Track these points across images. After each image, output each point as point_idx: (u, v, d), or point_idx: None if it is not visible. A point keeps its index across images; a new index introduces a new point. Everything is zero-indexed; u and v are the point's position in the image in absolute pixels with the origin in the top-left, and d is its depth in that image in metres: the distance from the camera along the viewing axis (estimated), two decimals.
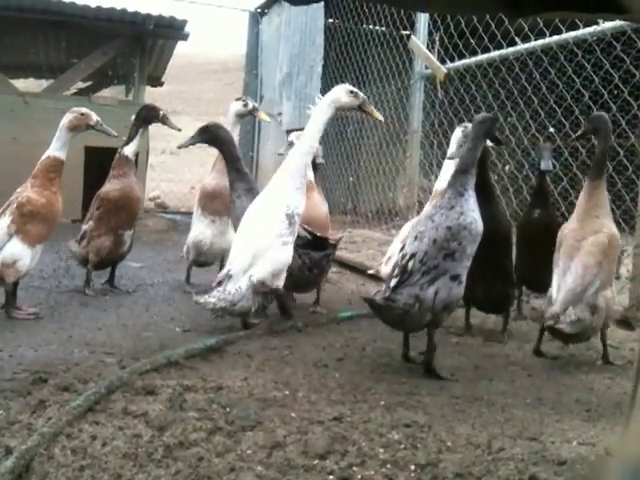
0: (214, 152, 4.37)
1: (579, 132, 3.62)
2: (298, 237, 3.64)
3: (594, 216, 3.32)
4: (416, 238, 2.97)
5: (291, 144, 4.60)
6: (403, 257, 2.94)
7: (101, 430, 2.06)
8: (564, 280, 3.17)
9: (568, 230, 3.33)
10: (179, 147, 4.12)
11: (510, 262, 3.73)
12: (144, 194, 4.59)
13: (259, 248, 3.41)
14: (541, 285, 4.01)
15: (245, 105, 4.80)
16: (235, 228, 3.87)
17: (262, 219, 3.50)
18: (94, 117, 3.91)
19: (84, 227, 4.43)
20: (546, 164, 4.07)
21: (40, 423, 2.09)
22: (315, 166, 4.86)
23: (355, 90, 3.63)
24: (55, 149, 3.77)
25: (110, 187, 4.37)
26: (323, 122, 3.59)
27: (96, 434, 2.02)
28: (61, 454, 1.89)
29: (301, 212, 3.55)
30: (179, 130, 4.72)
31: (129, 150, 4.39)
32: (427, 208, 4.46)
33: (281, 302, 3.71)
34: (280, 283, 3.47)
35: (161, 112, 4.50)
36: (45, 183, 3.69)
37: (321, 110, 3.60)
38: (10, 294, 3.58)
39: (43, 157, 3.77)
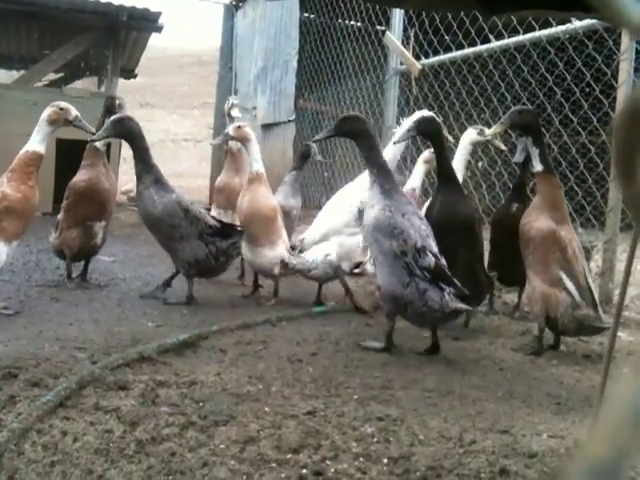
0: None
1: (500, 127, 3.54)
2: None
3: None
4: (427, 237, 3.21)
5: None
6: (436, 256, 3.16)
7: (72, 425, 2.04)
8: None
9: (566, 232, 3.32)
10: (90, 141, 4.19)
11: (473, 253, 3.61)
12: (116, 186, 4.49)
13: (328, 231, 4.08)
14: (514, 280, 4.06)
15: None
16: (142, 218, 4.15)
17: (338, 208, 4.17)
18: (73, 112, 3.85)
19: (58, 218, 4.43)
20: (518, 157, 4.13)
21: (10, 419, 2.05)
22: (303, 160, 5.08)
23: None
24: (34, 143, 3.71)
25: (78, 178, 4.35)
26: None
27: (67, 430, 2.00)
28: (31, 450, 1.87)
29: None
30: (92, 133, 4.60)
31: (99, 141, 4.33)
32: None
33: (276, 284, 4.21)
34: (345, 265, 4.07)
35: (117, 101, 4.49)
36: (22, 177, 3.62)
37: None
38: None
39: (22, 151, 3.69)
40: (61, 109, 3.80)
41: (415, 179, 4.79)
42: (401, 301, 3.14)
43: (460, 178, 4.53)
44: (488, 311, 4.19)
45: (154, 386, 2.42)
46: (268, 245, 4.11)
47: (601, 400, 2.02)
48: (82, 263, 4.48)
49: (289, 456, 1.93)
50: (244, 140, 4.24)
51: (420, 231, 3.20)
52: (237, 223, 4.30)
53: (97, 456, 1.86)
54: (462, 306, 3.09)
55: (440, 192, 3.65)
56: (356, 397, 2.46)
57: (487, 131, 4.01)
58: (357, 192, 4.04)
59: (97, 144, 4.33)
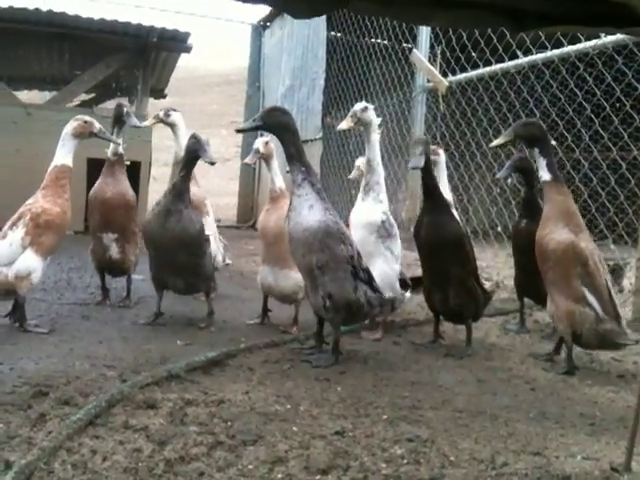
0: (216, 165, 4.30)
1: (505, 139, 3.49)
2: None
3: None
4: None
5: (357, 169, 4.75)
6: None
7: (101, 444, 2.05)
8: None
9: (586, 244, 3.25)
10: (237, 131, 3.87)
11: (465, 270, 3.57)
12: (127, 197, 4.39)
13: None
14: (539, 296, 3.99)
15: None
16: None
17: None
18: (97, 125, 3.91)
19: None
20: (501, 173, 4.10)
21: (40, 437, 2.07)
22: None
23: None
24: (61, 157, 3.76)
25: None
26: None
27: (96, 448, 2.01)
28: (61, 468, 1.88)
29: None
30: (140, 126, 4.73)
31: (109, 151, 4.37)
32: None
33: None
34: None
35: (125, 109, 4.48)
36: (58, 191, 3.68)
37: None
38: (22, 307, 3.54)
39: (51, 167, 3.75)
40: (85, 122, 3.86)
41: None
42: (353, 306, 3.18)
43: (449, 196, 4.58)
44: (519, 329, 4.14)
45: (182, 405, 2.42)
46: (295, 267, 3.81)
47: (637, 421, 1.97)
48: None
49: (318, 477, 1.91)
50: (269, 157, 4.11)
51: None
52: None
53: (126, 475, 1.86)
54: (392, 294, 3.46)
55: (426, 211, 3.65)
56: (385, 417, 2.44)
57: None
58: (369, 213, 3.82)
59: (108, 154, 4.37)
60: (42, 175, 3.79)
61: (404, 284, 3.95)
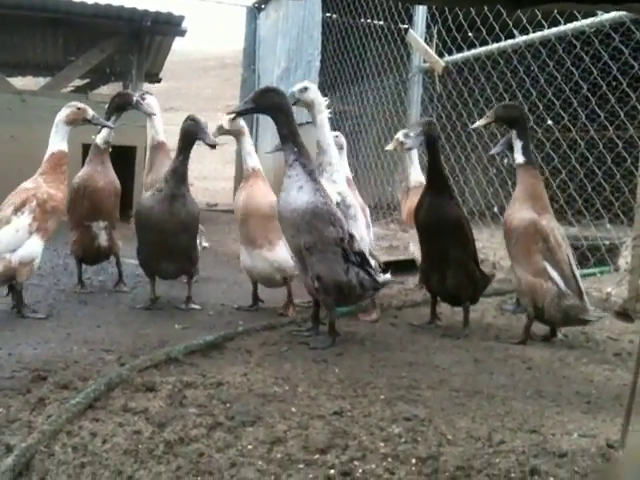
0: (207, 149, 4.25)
1: (485, 120, 3.62)
2: None
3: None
4: None
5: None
6: None
7: (101, 427, 2.06)
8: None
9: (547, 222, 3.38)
10: (229, 113, 3.68)
11: (464, 253, 3.59)
12: (115, 185, 4.36)
13: None
14: None
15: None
16: None
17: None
18: (90, 111, 3.91)
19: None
20: (495, 149, 4.24)
21: (40, 421, 2.08)
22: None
23: None
24: (57, 143, 3.78)
25: (76, 176, 4.31)
26: None
27: (96, 431, 2.02)
28: (61, 451, 1.89)
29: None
30: (154, 115, 4.69)
31: (99, 138, 4.30)
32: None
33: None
34: None
35: (134, 98, 4.43)
36: (59, 177, 3.71)
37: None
38: (20, 293, 3.55)
39: (48, 153, 3.76)
40: (78, 109, 3.86)
41: (346, 167, 4.66)
42: (344, 288, 3.17)
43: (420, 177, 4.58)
44: (516, 309, 4.15)
45: (181, 387, 2.43)
46: (267, 246, 3.84)
47: (632, 398, 1.98)
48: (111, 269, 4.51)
49: (317, 457, 1.92)
50: (238, 134, 4.03)
51: (343, 216, 3.28)
52: None
53: (126, 457, 1.87)
54: (388, 277, 3.35)
55: (428, 194, 3.65)
56: (383, 397, 2.45)
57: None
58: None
59: (98, 142, 4.31)
60: (37, 162, 3.78)
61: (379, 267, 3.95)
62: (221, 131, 4.03)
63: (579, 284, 3.33)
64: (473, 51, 5.93)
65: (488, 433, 2.12)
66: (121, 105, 4.38)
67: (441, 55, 6.17)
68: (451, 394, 2.54)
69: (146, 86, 10.72)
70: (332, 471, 1.84)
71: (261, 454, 1.93)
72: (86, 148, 8.17)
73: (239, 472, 1.81)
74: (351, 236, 3.23)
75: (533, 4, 1.97)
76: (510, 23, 5.36)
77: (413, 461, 1.91)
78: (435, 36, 6.54)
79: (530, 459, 1.94)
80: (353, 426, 2.15)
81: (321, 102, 3.77)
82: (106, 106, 4.50)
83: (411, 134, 3.83)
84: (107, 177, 4.32)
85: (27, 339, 3.07)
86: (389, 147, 4.87)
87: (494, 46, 5.65)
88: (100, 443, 1.95)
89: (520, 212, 3.39)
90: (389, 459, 1.92)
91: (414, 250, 4.69)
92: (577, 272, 3.37)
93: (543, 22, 5.05)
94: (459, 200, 3.81)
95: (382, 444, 2.02)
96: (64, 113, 3.82)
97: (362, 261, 3.27)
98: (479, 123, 3.69)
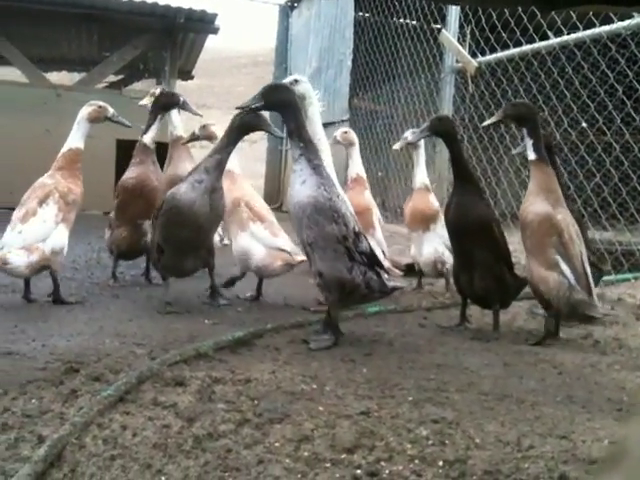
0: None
1: (495, 119, 3.62)
2: None
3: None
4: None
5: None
6: None
7: (131, 420, 2.09)
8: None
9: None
10: (238, 108, 3.58)
11: (492, 255, 3.54)
12: (164, 184, 4.47)
13: None
14: None
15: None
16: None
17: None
18: (110, 109, 4.05)
19: (110, 216, 4.54)
20: (517, 150, 4.21)
21: (72, 412, 2.12)
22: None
23: None
24: (76, 140, 3.91)
25: (126, 175, 4.40)
26: None
27: (126, 424, 2.05)
28: (92, 443, 1.92)
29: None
30: (201, 116, 4.74)
31: (147, 138, 4.38)
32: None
33: None
34: None
35: (181, 98, 4.48)
36: (75, 174, 3.84)
37: None
38: (57, 280, 3.70)
39: (65, 149, 3.89)
40: (100, 107, 3.99)
41: (356, 164, 4.66)
42: (347, 286, 3.11)
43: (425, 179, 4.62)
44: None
45: (210, 383, 2.45)
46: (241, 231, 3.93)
47: None
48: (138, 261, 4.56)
49: (343, 456, 1.92)
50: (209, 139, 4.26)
51: (352, 214, 3.23)
52: None
53: (155, 451, 1.89)
54: (398, 284, 3.31)
55: (456, 193, 3.61)
56: (410, 399, 2.44)
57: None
58: None
59: (146, 142, 4.38)
60: None
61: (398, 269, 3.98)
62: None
63: (589, 281, 3.34)
64: (506, 52, 5.88)
65: (517, 438, 2.10)
66: (167, 104, 4.45)
67: (474, 55, 6.13)
68: (480, 397, 2.52)
69: (179, 84, 10.81)
70: (359, 471, 1.84)
71: (288, 452, 1.93)
72: (120, 144, 8.34)
73: (266, 469, 1.82)
74: (357, 235, 3.14)
75: (567, 5, 1.95)
76: (544, 24, 5.30)
77: (440, 464, 1.90)
78: (468, 36, 6.49)
79: (559, 465, 1.91)
80: (380, 427, 2.15)
81: (312, 95, 3.74)
82: (149, 105, 4.60)
83: (419, 128, 3.82)
84: (159, 176, 4.46)
85: (60, 331, 3.12)
86: (396, 146, 4.85)
87: (528, 47, 5.60)
88: (130, 436, 1.97)
89: (534, 206, 3.40)
90: (416, 461, 1.91)
91: (414, 254, 4.70)
92: (588, 269, 3.38)
93: (578, 24, 4.99)
94: (489, 200, 3.78)
95: (409, 446, 2.01)
96: (86, 111, 3.96)
97: (370, 261, 3.18)
98: (489, 121, 3.70)
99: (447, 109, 6.59)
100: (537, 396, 2.58)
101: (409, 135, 4.54)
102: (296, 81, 3.76)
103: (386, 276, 3.25)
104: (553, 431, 2.19)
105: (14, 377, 2.42)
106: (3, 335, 2.99)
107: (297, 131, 3.19)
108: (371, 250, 3.22)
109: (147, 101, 4.95)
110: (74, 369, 2.52)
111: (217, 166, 3.63)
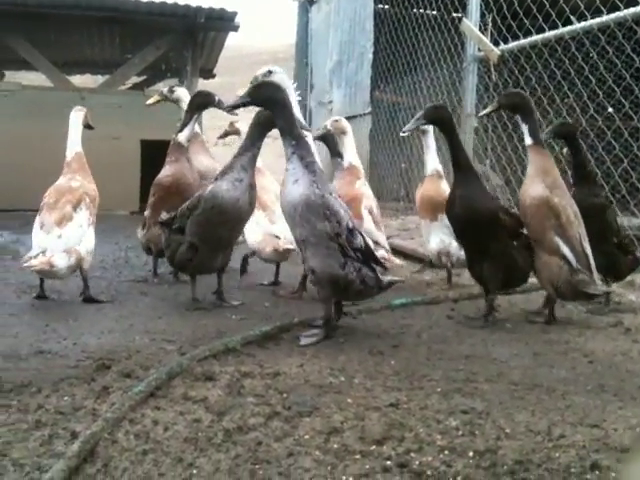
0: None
1: (490, 109, 3.76)
2: None
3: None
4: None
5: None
6: None
7: (162, 415, 2.11)
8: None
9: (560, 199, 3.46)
10: (221, 107, 3.83)
11: (495, 244, 3.47)
12: (198, 182, 4.52)
13: None
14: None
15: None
16: None
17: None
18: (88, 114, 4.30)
19: (145, 215, 4.59)
20: (406, 126, 4.05)
21: (104, 408, 2.15)
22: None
23: None
24: (78, 144, 4.13)
25: (163, 173, 4.45)
26: None
27: (158, 419, 2.08)
28: (124, 438, 1.95)
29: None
30: (236, 114, 4.74)
31: (182, 136, 4.42)
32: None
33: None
34: None
35: (216, 97, 4.50)
36: (88, 174, 4.08)
37: None
38: (87, 279, 3.83)
39: (73, 154, 4.08)
40: (85, 111, 4.24)
41: (349, 154, 4.58)
42: (340, 282, 3.08)
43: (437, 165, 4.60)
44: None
45: (239, 377, 2.47)
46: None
47: None
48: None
49: (373, 447, 1.93)
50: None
51: (347, 210, 3.19)
52: None
53: (187, 445, 1.92)
54: (395, 279, 3.29)
55: (458, 186, 3.54)
56: (439, 390, 2.44)
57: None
58: None
59: (181, 140, 4.42)
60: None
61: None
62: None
63: (589, 260, 3.42)
64: (529, 39, 5.80)
65: (548, 427, 2.09)
66: (202, 104, 4.46)
67: (496, 43, 6.06)
68: (509, 387, 2.51)
69: (201, 82, 10.86)
70: (388, 462, 1.84)
71: (318, 444, 1.94)
72: (144, 144, 8.40)
73: (296, 461, 1.83)
74: (350, 231, 3.11)
75: None
76: (567, 9, 5.23)
77: (470, 454, 1.90)
78: (490, 24, 6.42)
79: (591, 454, 1.90)
80: (409, 418, 2.15)
81: (288, 86, 3.70)
82: (184, 105, 4.64)
83: (414, 117, 3.78)
84: (194, 174, 4.51)
85: (91, 329, 3.17)
86: (404, 133, 4.80)
87: (551, 33, 5.51)
88: (161, 431, 2.00)
89: (532, 189, 3.47)
90: (446, 452, 1.91)
91: (423, 242, 4.69)
92: (588, 248, 3.44)
93: (602, 7, 4.90)
94: (490, 193, 3.72)
95: (439, 437, 2.01)
96: (81, 115, 4.18)
97: (365, 257, 3.15)
98: (485, 112, 3.90)
99: (470, 98, 6.53)
100: (568, 385, 2.56)
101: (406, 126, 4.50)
102: (270, 72, 3.77)
103: (380, 270, 3.20)
104: (584, 420, 2.17)
105: (47, 375, 2.47)
106: (35, 335, 3.04)
107: (288, 128, 3.18)
108: (366, 246, 3.18)
109: (153, 100, 4.97)
110: (105, 366, 2.56)
111: (252, 162, 3.67)
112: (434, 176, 4.55)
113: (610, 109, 5.46)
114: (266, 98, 3.23)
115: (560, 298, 3.57)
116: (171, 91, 4.83)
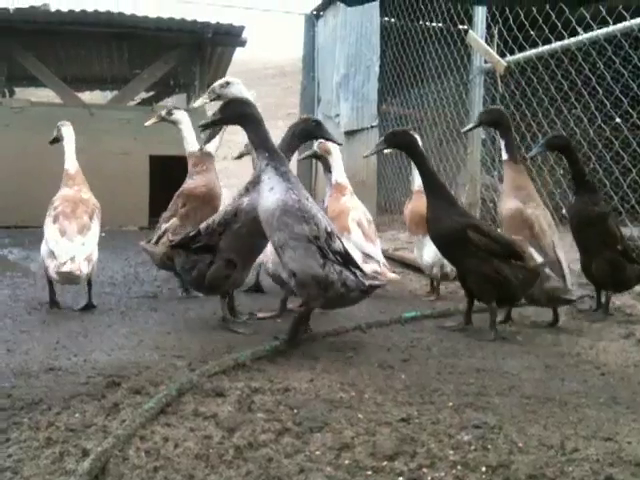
0: None
1: (472, 125, 4.09)
2: None
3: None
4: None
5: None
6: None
7: (173, 432, 2.11)
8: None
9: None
10: (199, 126, 3.50)
11: (469, 260, 3.45)
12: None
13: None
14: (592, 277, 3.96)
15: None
16: None
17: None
18: None
19: (164, 226, 4.45)
20: (532, 152, 4.25)
21: (114, 425, 2.15)
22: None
23: None
24: (75, 159, 4.31)
25: (194, 183, 4.44)
26: None
27: (168, 436, 2.07)
28: (135, 455, 1.94)
29: None
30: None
31: (211, 147, 4.48)
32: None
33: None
34: None
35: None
36: (88, 187, 4.21)
37: None
38: (91, 286, 4.01)
39: (74, 169, 4.26)
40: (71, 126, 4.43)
41: (337, 172, 4.65)
42: (322, 282, 3.06)
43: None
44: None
45: (249, 392, 2.46)
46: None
47: None
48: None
49: (384, 463, 1.92)
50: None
51: (324, 215, 3.21)
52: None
53: (197, 461, 1.91)
54: (377, 282, 3.35)
55: (428, 208, 3.59)
56: (451, 404, 2.42)
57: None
58: None
59: (210, 150, 4.46)
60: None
61: None
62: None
63: (562, 266, 3.58)
64: (535, 50, 5.80)
65: (561, 441, 2.07)
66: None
67: (502, 55, 6.07)
68: (521, 401, 2.49)
69: None
70: (400, 478, 1.84)
71: (329, 460, 1.93)
72: (152, 159, 8.44)
73: (307, 478, 1.83)
74: (329, 235, 3.11)
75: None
76: (573, 20, 5.23)
77: (483, 469, 1.89)
78: (496, 36, 6.43)
79: (605, 468, 1.88)
80: (421, 433, 2.14)
81: (247, 96, 3.70)
82: (184, 126, 4.68)
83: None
84: (220, 184, 4.56)
85: (101, 345, 3.17)
86: (366, 156, 4.85)
87: (557, 44, 5.52)
88: (172, 447, 2.00)
89: (506, 203, 3.72)
90: (458, 467, 1.90)
91: (416, 257, 4.69)
92: (562, 256, 3.62)
93: (607, 18, 4.91)
94: (461, 208, 3.71)
95: (451, 452, 2.00)
96: (72, 131, 4.37)
97: (344, 260, 3.15)
98: (467, 128, 4.25)
99: (477, 110, 6.51)
100: (580, 398, 2.54)
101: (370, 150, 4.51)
102: (227, 83, 3.80)
103: (361, 275, 3.19)
104: (597, 433, 2.16)
105: (57, 392, 2.47)
106: (46, 351, 3.05)
107: (260, 142, 3.20)
108: (345, 250, 3.19)
109: (152, 122, 4.94)
110: (115, 383, 2.55)
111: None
112: (421, 191, 4.57)
113: (618, 119, 5.44)
114: (237, 114, 3.24)
115: (535, 304, 3.72)
116: (169, 113, 4.82)
